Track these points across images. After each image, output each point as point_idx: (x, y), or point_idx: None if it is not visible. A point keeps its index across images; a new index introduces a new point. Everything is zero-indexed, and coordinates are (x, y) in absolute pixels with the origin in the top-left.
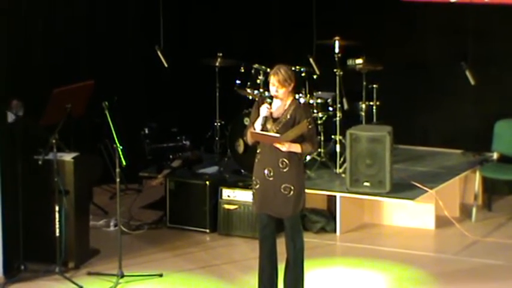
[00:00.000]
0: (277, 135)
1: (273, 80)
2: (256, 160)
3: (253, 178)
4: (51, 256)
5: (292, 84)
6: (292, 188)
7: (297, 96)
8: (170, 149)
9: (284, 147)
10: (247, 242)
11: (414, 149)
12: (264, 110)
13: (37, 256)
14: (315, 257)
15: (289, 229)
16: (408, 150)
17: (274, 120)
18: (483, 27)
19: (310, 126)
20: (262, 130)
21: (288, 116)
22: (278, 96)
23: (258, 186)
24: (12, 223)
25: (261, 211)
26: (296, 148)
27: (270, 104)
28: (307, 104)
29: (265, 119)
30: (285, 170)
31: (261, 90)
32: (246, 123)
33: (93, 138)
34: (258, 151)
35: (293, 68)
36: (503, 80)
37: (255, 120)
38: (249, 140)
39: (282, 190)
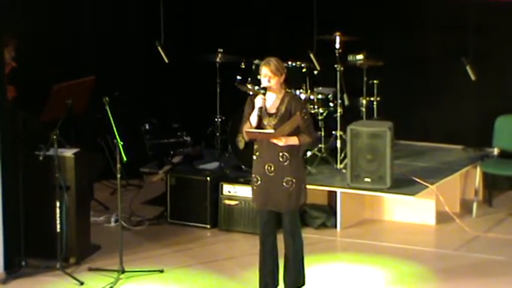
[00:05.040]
0: (272, 131)
1: (264, 70)
2: (255, 157)
3: (253, 175)
4: (52, 252)
5: (284, 75)
6: (293, 180)
7: (297, 92)
8: (171, 145)
9: (281, 142)
10: (247, 237)
11: (415, 145)
12: (259, 100)
13: (38, 252)
14: (315, 252)
15: (288, 224)
16: (409, 146)
17: (270, 115)
18: (484, 22)
19: (305, 117)
20: (258, 124)
21: (283, 110)
22: (271, 87)
23: (259, 182)
24: (13, 219)
25: (263, 208)
26: (293, 141)
27: (264, 95)
28: (298, 96)
29: (261, 109)
30: (285, 164)
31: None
32: None
33: (94, 134)
34: (255, 147)
35: (294, 64)
36: (504, 75)
37: (249, 116)
38: (246, 137)
39: (284, 184)
